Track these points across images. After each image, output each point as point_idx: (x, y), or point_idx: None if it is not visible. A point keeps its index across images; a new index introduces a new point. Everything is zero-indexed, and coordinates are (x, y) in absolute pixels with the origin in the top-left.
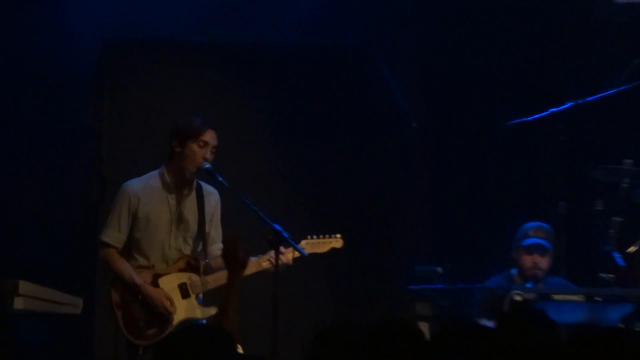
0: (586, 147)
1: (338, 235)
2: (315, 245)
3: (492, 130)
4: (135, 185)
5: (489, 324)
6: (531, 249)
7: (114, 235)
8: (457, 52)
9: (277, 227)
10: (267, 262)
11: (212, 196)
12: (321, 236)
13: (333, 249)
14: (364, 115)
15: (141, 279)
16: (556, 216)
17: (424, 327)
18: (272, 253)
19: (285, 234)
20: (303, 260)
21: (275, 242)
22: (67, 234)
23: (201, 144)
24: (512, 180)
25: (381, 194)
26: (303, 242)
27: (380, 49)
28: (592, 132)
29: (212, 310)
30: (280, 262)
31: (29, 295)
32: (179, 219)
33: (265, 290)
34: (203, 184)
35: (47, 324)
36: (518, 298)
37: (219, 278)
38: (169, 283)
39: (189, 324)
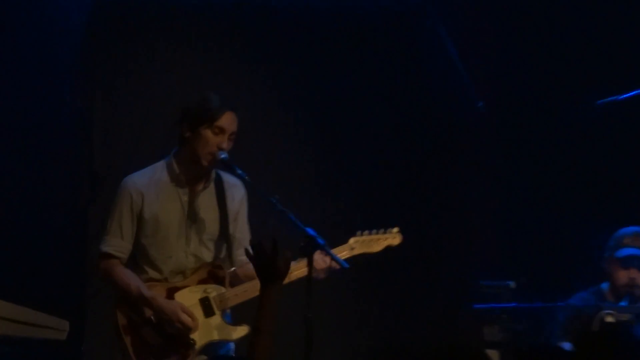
0: None
1: (395, 230)
2: (367, 243)
3: (576, 112)
4: (137, 180)
5: (572, 349)
6: (627, 262)
7: (116, 243)
8: (533, 15)
9: (311, 231)
10: (304, 270)
11: (236, 189)
12: (374, 231)
13: (389, 248)
14: (418, 94)
15: (152, 293)
16: None
17: (494, 355)
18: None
19: (321, 241)
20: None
21: (309, 251)
22: (50, 242)
23: (216, 130)
24: (603, 174)
25: (439, 190)
26: (352, 240)
27: (440, 14)
28: None
29: (243, 331)
30: (314, 273)
31: (2, 317)
32: (195, 219)
33: (294, 307)
34: (224, 174)
35: (24, 353)
36: (610, 319)
37: (250, 290)
38: (188, 298)
39: (217, 355)
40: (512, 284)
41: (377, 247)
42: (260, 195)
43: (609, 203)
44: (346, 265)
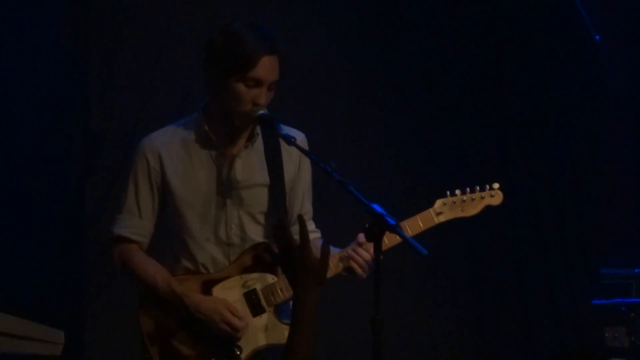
0: None
1: (496, 186)
2: (458, 205)
3: None
4: (155, 140)
5: None
6: None
7: (134, 223)
8: None
9: (378, 208)
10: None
11: (295, 145)
12: (467, 190)
13: (488, 208)
14: (524, 31)
15: (184, 288)
16: None
17: None
18: (364, 249)
19: (392, 220)
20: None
21: (377, 233)
22: (36, 228)
23: (251, 82)
24: None
25: (549, 146)
26: (438, 203)
27: None
28: None
29: None
30: (356, 265)
31: None
32: (234, 188)
33: (358, 306)
34: (279, 125)
35: None
36: None
37: None
38: (230, 294)
39: None
40: None
41: (473, 210)
42: (313, 163)
43: None
44: (425, 252)
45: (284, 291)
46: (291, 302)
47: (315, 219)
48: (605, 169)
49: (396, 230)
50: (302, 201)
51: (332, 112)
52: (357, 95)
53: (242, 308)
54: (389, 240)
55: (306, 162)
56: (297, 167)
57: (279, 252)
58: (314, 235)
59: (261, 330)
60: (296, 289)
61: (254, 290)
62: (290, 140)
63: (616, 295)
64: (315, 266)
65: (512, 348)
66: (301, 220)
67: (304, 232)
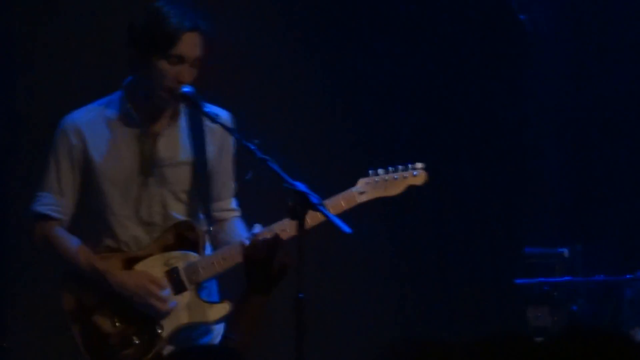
0: None
1: (419, 166)
2: (381, 184)
3: None
4: (78, 118)
5: None
6: None
7: (54, 201)
8: None
9: (302, 186)
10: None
11: (218, 125)
12: (391, 169)
13: (411, 188)
14: (446, 10)
15: (106, 266)
16: None
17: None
18: (288, 226)
19: (316, 198)
20: (341, 237)
21: (299, 211)
22: None
23: (174, 60)
24: None
25: (474, 126)
26: (361, 183)
27: None
28: None
29: (225, 309)
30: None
31: None
32: (157, 166)
33: (281, 286)
34: (204, 103)
35: None
36: None
37: (233, 255)
38: (152, 271)
39: (193, 346)
40: (565, 253)
41: (395, 189)
42: (236, 139)
43: None
44: (348, 230)
45: (205, 270)
46: (213, 283)
47: (239, 197)
48: (530, 148)
49: (319, 208)
50: (225, 179)
51: (257, 91)
52: (282, 75)
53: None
54: (313, 219)
55: (229, 140)
56: (220, 145)
57: (251, 261)
58: (233, 214)
59: (183, 309)
60: (253, 291)
61: (176, 268)
62: (214, 118)
63: (540, 275)
64: (275, 274)
65: (435, 327)
66: (275, 237)
67: (274, 245)
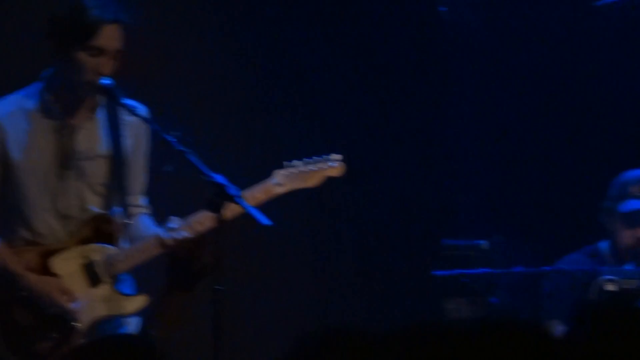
0: None
1: (336, 157)
2: (298, 176)
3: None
4: None
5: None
6: (633, 219)
7: None
8: None
9: (221, 179)
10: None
11: (134, 117)
12: (307, 160)
13: (328, 180)
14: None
15: (21, 262)
16: None
17: None
18: (205, 218)
19: (234, 190)
20: (260, 229)
21: (218, 204)
22: None
23: (93, 51)
24: (609, 99)
25: (393, 117)
26: (280, 173)
27: None
28: None
29: (142, 301)
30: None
31: None
32: (75, 159)
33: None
34: (122, 96)
35: None
36: (611, 287)
37: (149, 248)
38: (68, 265)
39: (104, 336)
40: (484, 244)
41: (313, 180)
42: (155, 132)
43: (613, 137)
44: (267, 223)
45: (122, 262)
46: (129, 276)
47: (157, 190)
48: (450, 140)
49: (237, 200)
50: (136, 174)
51: (175, 84)
52: (200, 68)
53: (79, 280)
54: (231, 211)
55: (145, 134)
56: (136, 138)
57: (175, 259)
58: (140, 210)
59: (100, 301)
60: (175, 287)
61: (93, 261)
62: (132, 110)
63: (457, 267)
64: (199, 275)
65: (354, 318)
66: (202, 237)
67: (201, 244)
